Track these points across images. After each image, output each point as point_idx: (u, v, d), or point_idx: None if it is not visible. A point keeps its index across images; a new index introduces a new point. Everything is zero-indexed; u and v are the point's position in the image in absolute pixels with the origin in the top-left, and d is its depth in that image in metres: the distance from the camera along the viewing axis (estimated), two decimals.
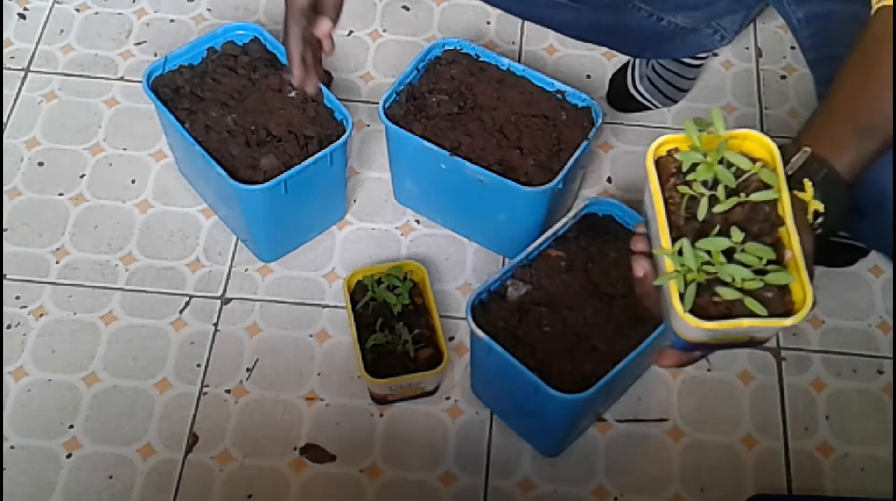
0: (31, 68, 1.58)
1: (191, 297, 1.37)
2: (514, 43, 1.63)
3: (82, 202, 1.45)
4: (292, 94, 1.33)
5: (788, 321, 0.75)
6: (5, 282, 1.37)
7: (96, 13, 1.65)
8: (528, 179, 1.27)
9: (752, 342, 0.82)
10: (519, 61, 1.45)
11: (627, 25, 1.32)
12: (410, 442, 1.27)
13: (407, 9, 1.67)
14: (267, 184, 1.22)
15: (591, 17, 1.31)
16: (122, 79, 1.57)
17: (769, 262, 0.76)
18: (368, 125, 1.53)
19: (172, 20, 1.64)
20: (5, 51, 1.60)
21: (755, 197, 0.79)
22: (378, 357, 1.25)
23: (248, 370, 1.32)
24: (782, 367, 1.34)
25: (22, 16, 1.64)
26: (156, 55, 1.59)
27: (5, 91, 1.55)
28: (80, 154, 1.49)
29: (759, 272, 0.75)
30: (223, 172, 1.23)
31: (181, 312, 1.36)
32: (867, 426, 1.30)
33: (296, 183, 1.25)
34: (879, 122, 0.89)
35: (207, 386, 1.30)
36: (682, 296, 0.75)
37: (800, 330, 1.37)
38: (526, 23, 1.65)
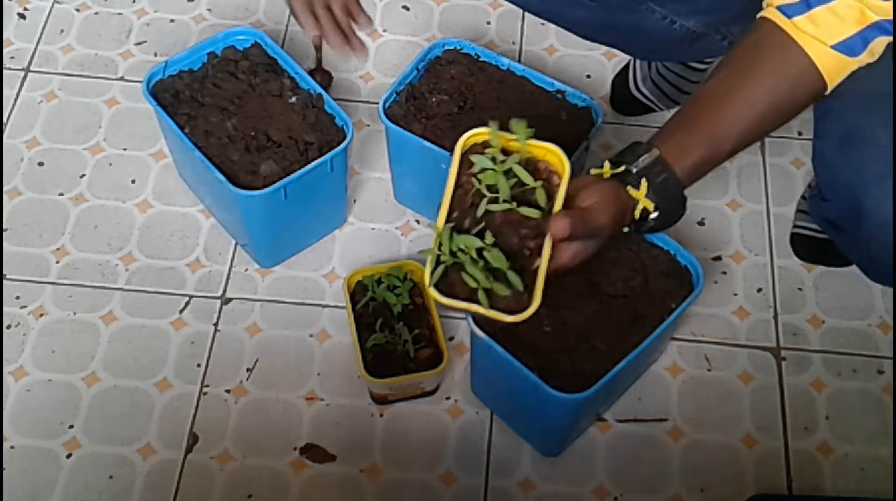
0: (31, 68, 1.58)
1: (191, 297, 1.37)
2: (514, 43, 1.63)
3: (82, 202, 1.45)
4: (293, 99, 1.32)
5: (509, 318, 0.87)
6: (5, 282, 1.37)
7: (96, 13, 1.65)
8: None
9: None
10: (519, 61, 1.45)
11: (641, 27, 1.32)
12: (410, 442, 1.27)
13: (407, 9, 1.67)
14: (266, 190, 1.22)
15: (604, 16, 1.30)
16: (122, 79, 1.57)
17: (513, 268, 0.88)
18: (368, 125, 1.54)
19: (172, 20, 1.64)
20: (5, 51, 1.60)
21: (522, 211, 0.91)
22: (378, 357, 1.25)
23: (248, 370, 1.32)
24: (782, 367, 1.34)
25: (22, 16, 1.64)
26: (156, 55, 1.59)
27: (5, 91, 1.55)
28: (80, 154, 1.49)
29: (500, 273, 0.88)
30: (223, 178, 1.22)
31: (181, 312, 1.36)
32: (867, 426, 1.30)
33: (295, 189, 1.25)
34: (731, 140, 0.98)
35: (207, 386, 1.30)
36: (433, 272, 0.88)
37: (800, 330, 1.37)
38: (526, 23, 1.65)
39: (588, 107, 1.33)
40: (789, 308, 1.39)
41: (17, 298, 1.36)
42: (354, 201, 1.46)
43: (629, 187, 0.97)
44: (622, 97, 1.55)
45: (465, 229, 0.90)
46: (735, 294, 1.40)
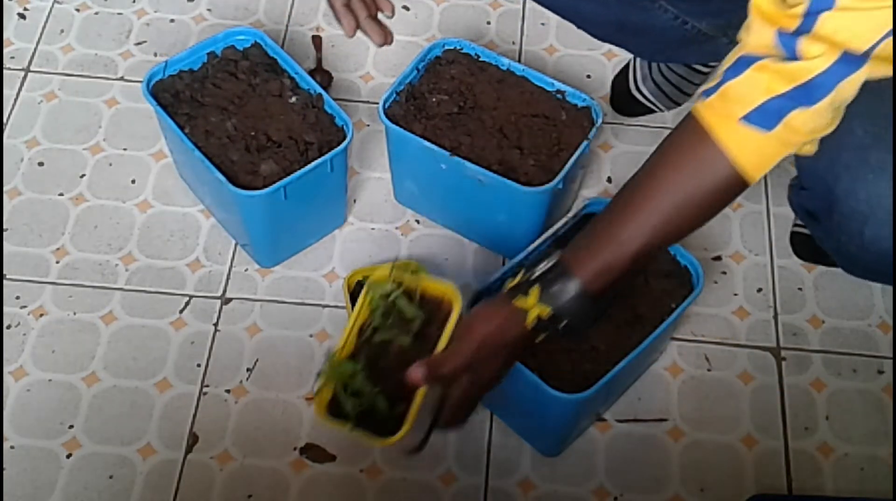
0: (31, 68, 1.58)
1: (191, 297, 1.37)
2: (514, 43, 1.63)
3: (82, 202, 1.45)
4: (293, 99, 1.32)
5: (376, 443, 0.99)
6: (5, 282, 1.37)
7: (96, 13, 1.65)
8: (528, 180, 1.27)
9: None
10: (519, 61, 1.45)
11: (652, 25, 1.31)
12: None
13: (407, 9, 1.67)
14: (266, 190, 1.22)
15: (616, 12, 1.29)
16: (122, 79, 1.57)
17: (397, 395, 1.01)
18: (368, 125, 1.54)
19: (172, 20, 1.64)
20: (5, 51, 1.60)
21: (399, 340, 1.04)
22: None
23: (248, 370, 1.32)
24: (782, 367, 1.34)
25: (22, 16, 1.64)
26: (156, 55, 1.59)
27: (5, 91, 1.55)
28: (80, 154, 1.49)
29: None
30: (223, 178, 1.22)
31: (181, 312, 1.36)
32: (867, 426, 1.30)
33: (295, 189, 1.25)
34: (634, 243, 0.95)
35: (207, 386, 1.30)
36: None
37: (800, 330, 1.37)
38: (526, 23, 1.65)
39: (588, 107, 1.33)
40: (789, 308, 1.39)
41: (17, 298, 1.36)
42: (354, 201, 1.46)
43: (518, 298, 0.98)
44: (622, 98, 1.55)
45: (366, 356, 1.04)
46: (735, 294, 1.40)
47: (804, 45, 0.85)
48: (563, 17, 1.37)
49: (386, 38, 1.24)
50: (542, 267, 0.99)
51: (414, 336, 1.05)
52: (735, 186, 0.92)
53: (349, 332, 1.04)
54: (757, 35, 0.89)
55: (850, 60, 0.85)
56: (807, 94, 0.87)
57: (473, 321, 1.00)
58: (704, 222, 0.97)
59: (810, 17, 0.84)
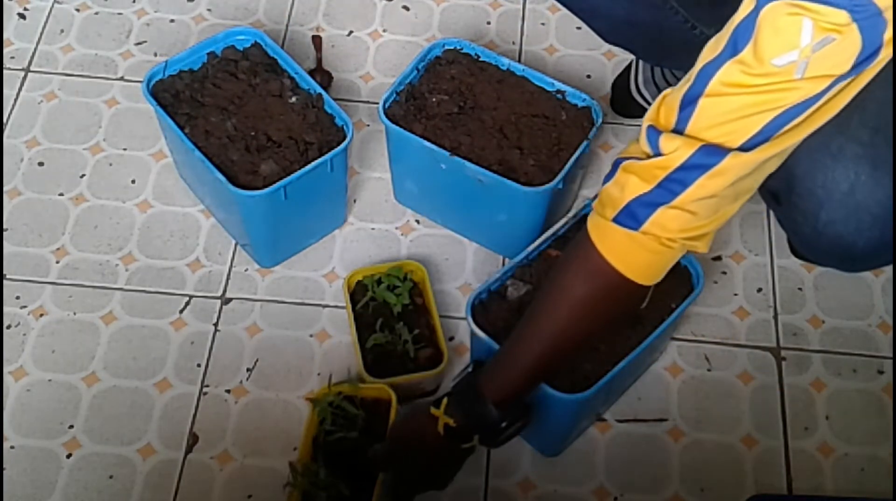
0: (31, 68, 1.58)
1: (191, 297, 1.37)
2: (514, 43, 1.63)
3: (82, 202, 1.45)
4: (293, 99, 1.32)
5: None
6: (5, 282, 1.37)
7: (96, 13, 1.65)
8: (528, 180, 1.27)
9: None
10: (519, 61, 1.45)
11: (660, 26, 1.30)
12: None
13: (407, 9, 1.67)
14: (266, 190, 1.22)
15: (626, 7, 1.28)
16: (122, 79, 1.57)
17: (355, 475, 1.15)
18: (368, 125, 1.54)
19: (172, 20, 1.64)
20: (5, 51, 1.60)
21: (349, 435, 1.17)
22: (378, 357, 1.25)
23: (248, 370, 1.32)
24: (782, 367, 1.34)
25: (22, 16, 1.64)
26: (156, 55, 1.59)
27: (5, 91, 1.55)
28: (80, 154, 1.49)
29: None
30: (223, 178, 1.22)
31: (181, 312, 1.36)
32: (867, 426, 1.30)
33: (296, 189, 1.25)
34: (531, 356, 0.99)
35: (207, 386, 1.30)
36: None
37: (800, 330, 1.37)
38: (526, 23, 1.65)
39: (588, 107, 1.33)
40: (789, 308, 1.39)
41: (17, 298, 1.36)
42: (354, 201, 1.46)
43: (432, 407, 1.04)
44: (622, 99, 1.55)
45: (324, 455, 1.17)
46: (735, 294, 1.40)
47: (665, 138, 0.85)
48: (574, 11, 1.36)
49: None
50: (458, 377, 1.06)
51: (362, 431, 1.18)
52: (623, 289, 0.93)
53: (304, 443, 1.17)
54: (637, 137, 0.91)
55: (711, 152, 0.84)
56: (666, 190, 0.86)
57: (402, 421, 1.12)
58: (606, 327, 0.99)
59: (685, 110, 0.84)
